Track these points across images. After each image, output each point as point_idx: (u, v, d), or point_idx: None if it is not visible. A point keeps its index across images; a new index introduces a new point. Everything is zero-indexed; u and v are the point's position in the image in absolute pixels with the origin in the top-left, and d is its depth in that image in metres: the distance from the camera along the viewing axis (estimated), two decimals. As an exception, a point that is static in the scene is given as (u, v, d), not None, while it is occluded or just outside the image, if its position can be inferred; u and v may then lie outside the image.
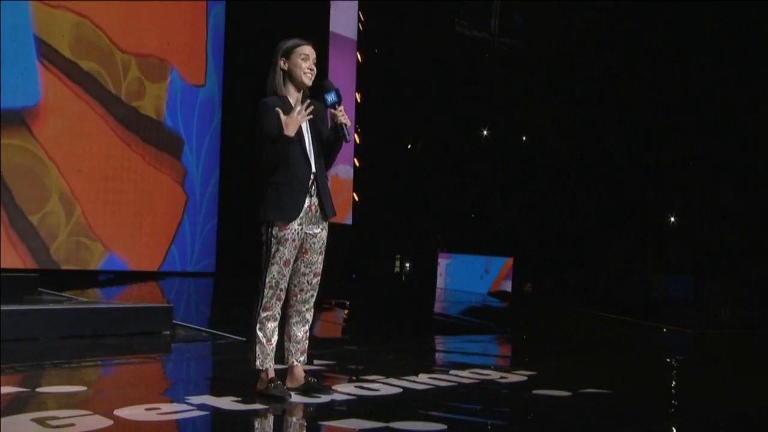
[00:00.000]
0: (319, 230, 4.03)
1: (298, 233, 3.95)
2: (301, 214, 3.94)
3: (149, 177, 10.75)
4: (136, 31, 10.56)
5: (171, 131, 11.04)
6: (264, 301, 3.95)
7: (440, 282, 13.23)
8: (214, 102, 11.72)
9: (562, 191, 15.03)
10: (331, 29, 13.23)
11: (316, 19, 12.62)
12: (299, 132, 3.93)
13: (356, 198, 13.76)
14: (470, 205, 16.06)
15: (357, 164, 13.76)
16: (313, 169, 3.98)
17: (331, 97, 3.99)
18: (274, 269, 3.93)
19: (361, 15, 13.90)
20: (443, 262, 13.39)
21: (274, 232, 3.92)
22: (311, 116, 3.91)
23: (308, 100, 3.98)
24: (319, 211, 4.00)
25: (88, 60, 10.02)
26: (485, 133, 16.07)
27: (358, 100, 13.70)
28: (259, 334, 3.95)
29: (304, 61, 4.01)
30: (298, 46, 4.03)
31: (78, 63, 9.90)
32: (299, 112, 3.86)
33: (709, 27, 13.49)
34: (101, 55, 10.16)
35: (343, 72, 13.24)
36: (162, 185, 10.92)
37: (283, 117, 3.83)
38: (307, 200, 3.96)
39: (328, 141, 4.06)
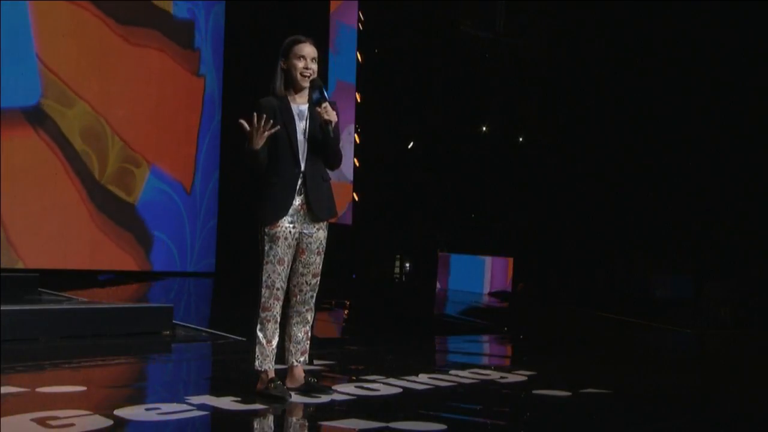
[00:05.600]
0: (315, 230, 3.99)
1: (290, 232, 3.93)
2: (292, 212, 3.92)
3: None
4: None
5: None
6: (262, 301, 3.94)
7: (440, 282, 13.22)
8: (214, 101, 11.71)
9: (562, 191, 15.02)
10: (331, 27, 13.21)
11: (316, 18, 12.60)
12: (289, 132, 3.91)
13: (356, 198, 13.74)
14: (470, 205, 16.05)
15: (357, 164, 13.74)
16: (302, 169, 3.94)
17: (315, 95, 3.96)
18: (268, 268, 3.91)
19: (361, 14, 13.89)
20: (443, 262, 13.38)
21: (266, 231, 3.92)
22: (271, 131, 3.80)
23: (306, 106, 3.95)
24: (309, 211, 3.96)
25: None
26: (485, 132, 16.06)
27: (358, 100, 13.68)
28: (260, 335, 3.95)
29: (300, 60, 3.94)
30: (296, 45, 3.97)
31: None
32: (259, 128, 3.76)
33: (710, 25, 13.49)
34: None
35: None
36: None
37: (246, 127, 3.76)
38: (297, 199, 3.93)
39: (322, 140, 4.03)
